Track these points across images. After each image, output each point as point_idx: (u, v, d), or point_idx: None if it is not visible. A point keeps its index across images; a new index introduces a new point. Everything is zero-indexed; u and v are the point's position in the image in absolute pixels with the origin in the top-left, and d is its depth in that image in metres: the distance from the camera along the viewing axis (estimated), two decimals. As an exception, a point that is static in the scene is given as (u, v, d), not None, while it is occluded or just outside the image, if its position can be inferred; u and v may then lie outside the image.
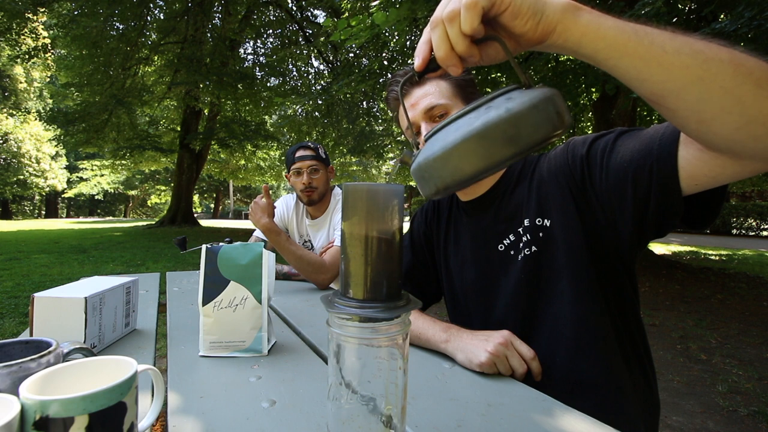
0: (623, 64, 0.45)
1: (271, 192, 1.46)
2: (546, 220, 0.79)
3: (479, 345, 0.74)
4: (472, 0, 0.43)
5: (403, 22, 3.55)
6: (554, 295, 0.78)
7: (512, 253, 0.83)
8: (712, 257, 8.39)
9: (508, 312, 0.83)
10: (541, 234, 0.79)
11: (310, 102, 9.41)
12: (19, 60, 10.84)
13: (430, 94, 0.83)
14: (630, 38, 0.44)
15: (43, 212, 33.96)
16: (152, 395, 0.53)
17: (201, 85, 10.97)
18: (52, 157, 26.57)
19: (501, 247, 0.85)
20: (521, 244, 0.81)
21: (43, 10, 9.78)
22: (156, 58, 11.92)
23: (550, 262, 0.78)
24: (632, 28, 0.44)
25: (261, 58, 13.21)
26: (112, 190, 31.34)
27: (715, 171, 0.55)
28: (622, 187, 0.66)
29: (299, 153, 1.68)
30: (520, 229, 0.82)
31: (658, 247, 9.34)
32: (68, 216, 37.34)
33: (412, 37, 6.32)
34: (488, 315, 0.88)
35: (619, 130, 0.70)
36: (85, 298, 0.76)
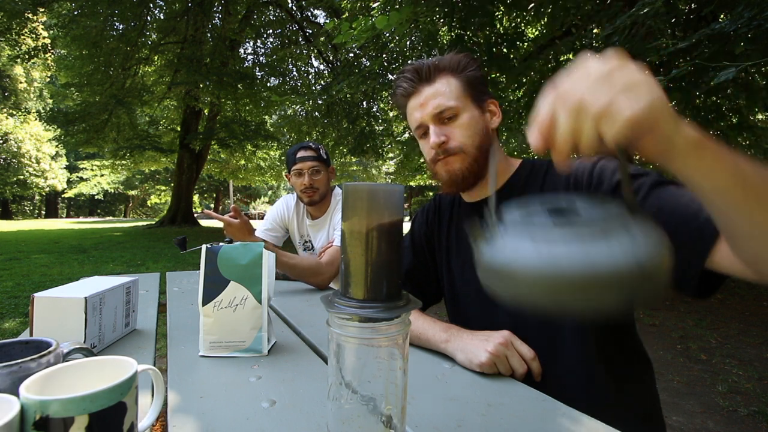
0: (715, 201, 0.43)
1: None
2: None
3: (479, 345, 0.74)
4: (634, 115, 0.34)
5: (405, 24, 3.52)
6: None
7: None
8: (712, 257, 8.37)
9: (507, 312, 0.83)
10: None
11: (310, 102, 9.40)
12: (19, 60, 10.85)
13: (440, 94, 0.81)
14: (737, 186, 0.41)
15: (43, 212, 33.97)
16: (152, 395, 0.53)
17: (201, 85, 10.96)
18: (52, 157, 26.57)
19: (501, 248, 0.84)
20: None
21: (43, 10, 9.78)
22: (156, 58, 11.91)
23: None
24: (742, 178, 0.40)
25: (261, 58, 13.20)
26: (112, 190, 31.32)
27: (739, 271, 0.52)
28: None
29: (300, 154, 1.67)
30: None
31: (658, 247, 9.32)
32: (68, 216, 37.31)
33: (413, 38, 6.31)
34: (488, 315, 0.88)
35: (655, 179, 0.65)
36: (85, 298, 0.76)
